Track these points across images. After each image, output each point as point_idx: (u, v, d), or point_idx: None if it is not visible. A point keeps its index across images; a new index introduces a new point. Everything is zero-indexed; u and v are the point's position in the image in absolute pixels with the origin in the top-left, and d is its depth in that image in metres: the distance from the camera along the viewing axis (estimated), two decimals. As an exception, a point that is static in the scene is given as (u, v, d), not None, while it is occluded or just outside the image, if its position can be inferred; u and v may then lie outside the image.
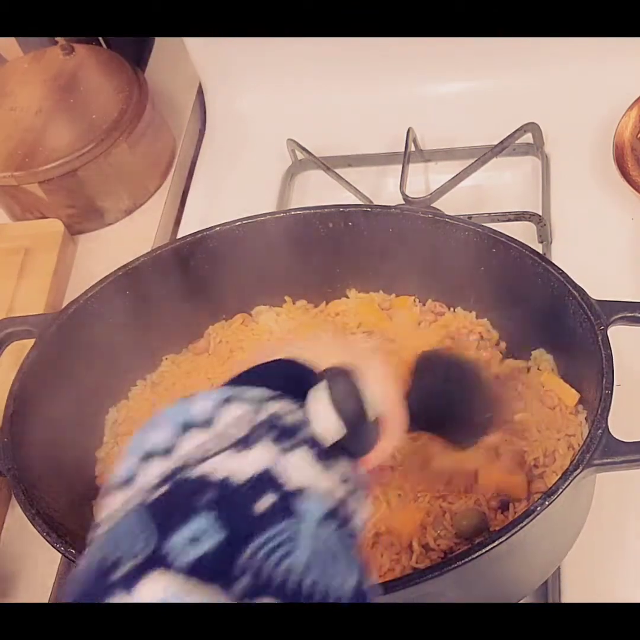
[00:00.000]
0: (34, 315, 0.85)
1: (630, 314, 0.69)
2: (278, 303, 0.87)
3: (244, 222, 0.82)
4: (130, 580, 0.38)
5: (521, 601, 0.72)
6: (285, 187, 1.07)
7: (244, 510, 0.40)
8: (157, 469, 0.43)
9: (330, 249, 0.83)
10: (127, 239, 1.06)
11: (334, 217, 0.81)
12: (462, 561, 0.59)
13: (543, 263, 0.74)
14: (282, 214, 0.85)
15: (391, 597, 0.59)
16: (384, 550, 0.69)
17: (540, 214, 0.96)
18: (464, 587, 0.64)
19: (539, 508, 0.60)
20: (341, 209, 0.82)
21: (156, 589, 0.37)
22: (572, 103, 1.05)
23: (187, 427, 0.44)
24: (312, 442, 0.44)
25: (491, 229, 0.77)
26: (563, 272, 0.72)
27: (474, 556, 0.59)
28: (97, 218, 1.08)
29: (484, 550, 0.59)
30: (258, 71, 1.13)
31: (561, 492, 0.61)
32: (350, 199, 1.00)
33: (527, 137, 1.02)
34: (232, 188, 1.10)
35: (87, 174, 1.02)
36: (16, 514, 0.85)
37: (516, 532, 0.60)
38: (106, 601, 0.38)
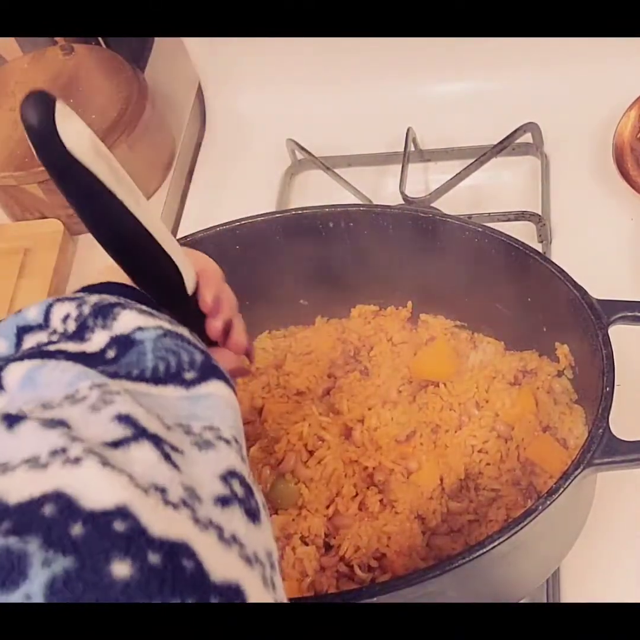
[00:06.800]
0: (34, 315, 0.85)
1: (630, 314, 0.69)
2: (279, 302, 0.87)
3: (243, 222, 0.82)
4: None
5: (521, 601, 0.72)
6: (285, 187, 1.07)
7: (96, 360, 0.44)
8: None
9: (329, 249, 0.83)
10: (127, 239, 1.06)
11: (334, 217, 0.81)
12: (463, 561, 0.59)
13: (543, 262, 0.73)
14: (282, 214, 0.85)
15: (392, 597, 0.59)
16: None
17: (540, 214, 0.96)
18: (464, 587, 0.64)
19: (539, 507, 0.60)
20: (340, 209, 0.81)
21: None
22: (572, 103, 1.05)
23: (25, 330, 0.47)
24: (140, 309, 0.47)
25: (491, 228, 0.77)
26: (563, 271, 0.72)
27: (474, 556, 0.59)
28: (97, 218, 1.07)
29: (484, 550, 0.59)
30: (258, 71, 1.13)
31: (562, 491, 0.60)
32: (350, 199, 1.00)
33: (527, 137, 1.02)
34: (231, 188, 1.10)
35: (87, 174, 1.02)
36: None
37: (516, 532, 0.60)
38: None
